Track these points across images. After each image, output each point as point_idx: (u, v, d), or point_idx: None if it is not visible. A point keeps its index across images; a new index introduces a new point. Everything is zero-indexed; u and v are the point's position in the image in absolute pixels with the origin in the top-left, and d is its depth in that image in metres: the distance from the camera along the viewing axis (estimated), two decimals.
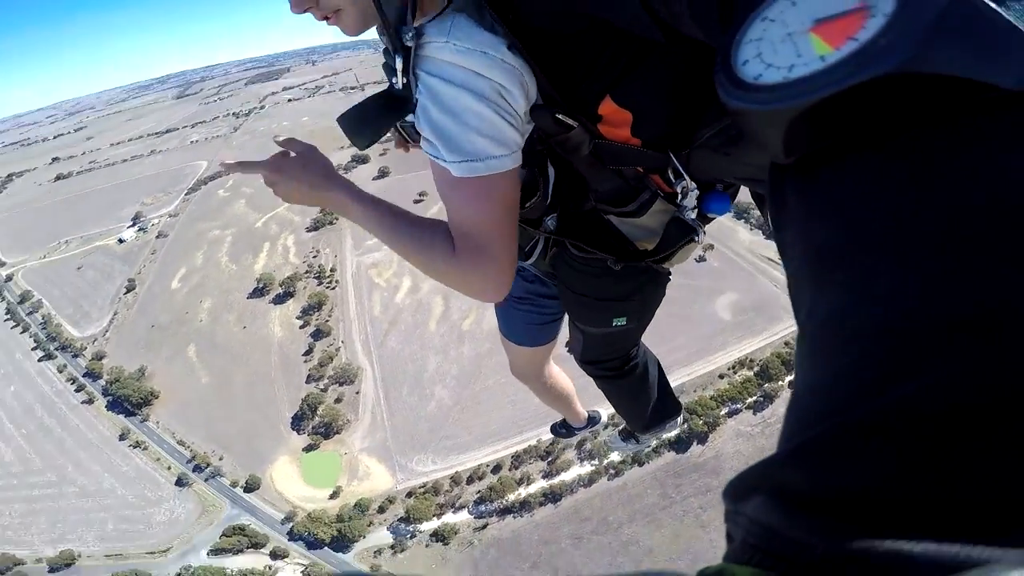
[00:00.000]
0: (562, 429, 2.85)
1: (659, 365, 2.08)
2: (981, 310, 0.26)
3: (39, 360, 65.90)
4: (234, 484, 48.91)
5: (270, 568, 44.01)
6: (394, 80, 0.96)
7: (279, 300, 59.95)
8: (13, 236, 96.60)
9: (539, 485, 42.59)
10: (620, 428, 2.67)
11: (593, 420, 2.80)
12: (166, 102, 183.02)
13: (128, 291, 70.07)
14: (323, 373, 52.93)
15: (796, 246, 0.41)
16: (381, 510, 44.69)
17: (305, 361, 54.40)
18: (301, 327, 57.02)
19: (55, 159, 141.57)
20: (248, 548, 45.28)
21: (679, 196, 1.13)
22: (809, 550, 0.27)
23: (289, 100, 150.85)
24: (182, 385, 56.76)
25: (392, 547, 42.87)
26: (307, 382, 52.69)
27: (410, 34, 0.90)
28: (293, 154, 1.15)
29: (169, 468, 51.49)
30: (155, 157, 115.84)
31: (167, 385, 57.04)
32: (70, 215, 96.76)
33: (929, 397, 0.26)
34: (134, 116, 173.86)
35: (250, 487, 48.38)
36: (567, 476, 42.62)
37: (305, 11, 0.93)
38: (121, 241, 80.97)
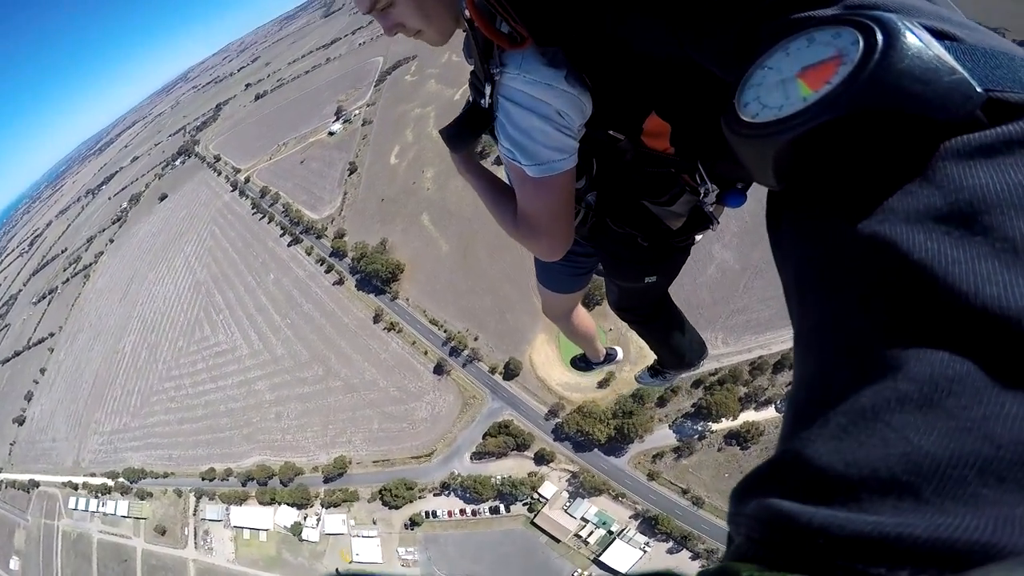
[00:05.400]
0: (581, 363, 3.41)
1: (682, 314, 2.49)
2: (913, 309, 0.33)
3: (288, 245, 72.80)
4: (492, 370, 45.43)
5: (535, 475, 39.60)
6: (482, 100, 1.20)
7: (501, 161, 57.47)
8: (239, 148, 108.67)
9: None
10: (648, 366, 3.00)
11: (611, 357, 3.31)
12: (317, 22, 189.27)
13: (351, 172, 73.78)
14: None
15: (786, 264, 0.48)
16: (661, 403, 38.53)
17: None
18: None
19: (248, 85, 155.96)
20: (512, 451, 41.17)
21: (703, 193, 1.38)
22: (811, 539, 0.28)
23: None
24: (424, 255, 57.19)
25: (676, 451, 36.74)
26: None
27: (497, 68, 1.12)
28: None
29: (426, 353, 50.11)
30: (333, 63, 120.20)
31: (409, 257, 57.79)
32: (280, 122, 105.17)
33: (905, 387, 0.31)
34: (296, 38, 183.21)
35: (510, 373, 44.18)
36: None
37: (395, 33, 1.24)
38: (331, 134, 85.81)
